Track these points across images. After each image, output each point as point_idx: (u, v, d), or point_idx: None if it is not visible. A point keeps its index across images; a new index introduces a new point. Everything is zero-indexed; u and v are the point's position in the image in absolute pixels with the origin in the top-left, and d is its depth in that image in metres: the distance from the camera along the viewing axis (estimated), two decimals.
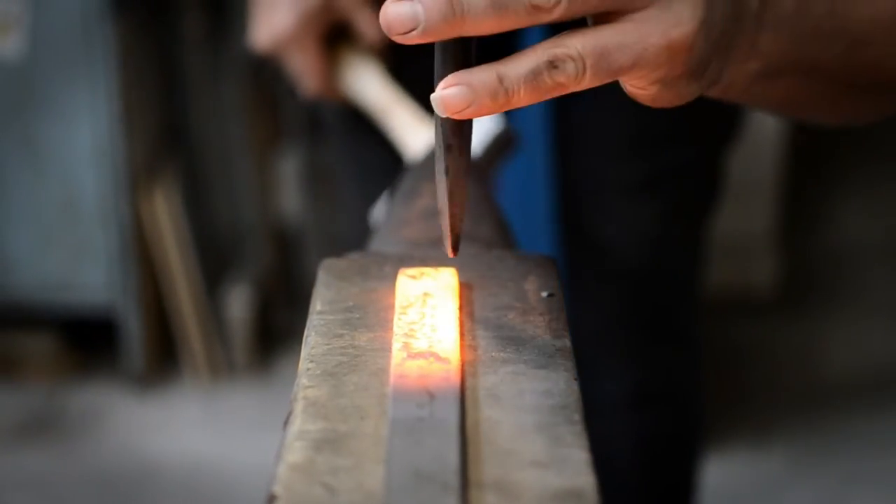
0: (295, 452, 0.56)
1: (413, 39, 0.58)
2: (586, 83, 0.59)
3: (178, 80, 2.40)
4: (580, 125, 1.25)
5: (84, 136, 2.22)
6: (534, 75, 0.59)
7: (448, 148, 0.63)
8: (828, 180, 3.25)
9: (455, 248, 0.67)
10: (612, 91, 1.22)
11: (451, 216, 0.65)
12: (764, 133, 2.51)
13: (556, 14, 0.58)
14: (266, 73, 2.42)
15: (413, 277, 0.70)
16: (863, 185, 3.27)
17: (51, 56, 2.19)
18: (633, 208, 1.26)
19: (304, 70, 1.18)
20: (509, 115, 1.36)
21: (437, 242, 0.80)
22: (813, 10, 0.69)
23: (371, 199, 1.26)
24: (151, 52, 2.33)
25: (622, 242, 1.28)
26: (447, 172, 0.64)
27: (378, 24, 0.60)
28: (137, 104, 2.26)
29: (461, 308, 0.68)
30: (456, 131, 0.63)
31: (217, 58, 2.40)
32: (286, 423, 0.59)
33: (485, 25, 0.58)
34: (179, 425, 2.29)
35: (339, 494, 0.53)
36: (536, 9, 0.58)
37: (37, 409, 2.32)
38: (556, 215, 1.34)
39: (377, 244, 0.86)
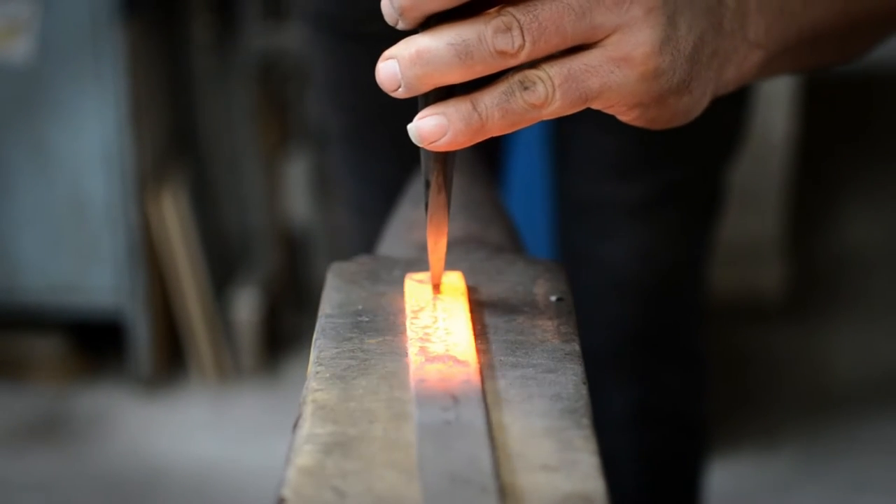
0: (304, 456, 0.56)
1: (402, 95, 0.62)
2: (557, 106, 0.61)
3: (187, 84, 2.40)
4: (578, 145, 1.24)
5: (92, 139, 2.23)
6: (505, 97, 0.61)
7: (427, 184, 0.65)
8: (834, 186, 3.25)
9: (437, 288, 0.69)
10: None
11: (432, 253, 0.68)
12: (769, 140, 2.51)
13: (523, 57, 0.60)
14: (274, 77, 2.42)
15: (420, 282, 0.70)
16: (869, 191, 3.27)
17: (60, 60, 2.19)
18: (632, 227, 1.25)
19: None
20: (508, 139, 1.35)
21: None
22: None
23: (369, 213, 1.25)
24: (160, 57, 2.34)
25: (622, 261, 1.27)
26: (426, 208, 0.66)
27: None
28: (146, 108, 2.27)
29: (471, 311, 0.68)
30: (434, 168, 0.65)
31: (225, 62, 2.40)
32: (295, 426, 0.59)
33: (454, 76, 0.60)
34: (187, 428, 2.29)
35: (349, 498, 0.53)
36: (502, 54, 0.60)
37: (44, 411, 2.33)
38: (555, 234, 1.33)
39: (386, 247, 0.87)
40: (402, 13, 0.61)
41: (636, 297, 1.29)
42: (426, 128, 0.61)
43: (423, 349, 0.63)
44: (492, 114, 0.61)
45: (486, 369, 0.63)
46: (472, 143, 0.62)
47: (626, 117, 0.66)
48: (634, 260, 1.27)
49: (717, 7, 0.66)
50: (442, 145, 0.61)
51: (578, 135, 1.24)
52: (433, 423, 0.57)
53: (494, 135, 0.62)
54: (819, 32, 0.74)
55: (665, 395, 1.35)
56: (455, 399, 0.59)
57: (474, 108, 0.61)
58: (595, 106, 0.63)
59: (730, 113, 1.24)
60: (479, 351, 0.65)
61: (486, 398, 0.60)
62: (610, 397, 1.31)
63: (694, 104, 0.67)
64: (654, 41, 0.62)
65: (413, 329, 0.65)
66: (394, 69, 0.61)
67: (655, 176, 1.23)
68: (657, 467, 1.37)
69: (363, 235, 1.23)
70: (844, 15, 0.75)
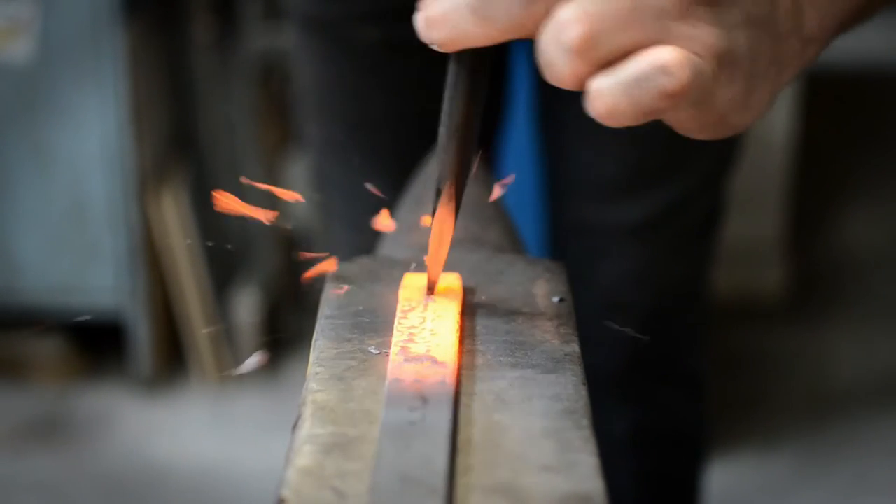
0: (304, 456, 0.56)
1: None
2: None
3: (188, 85, 2.40)
4: (573, 167, 1.23)
5: (93, 139, 2.23)
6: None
7: (437, 192, 0.64)
8: (833, 187, 3.25)
9: (431, 292, 0.68)
10: (602, 132, 1.21)
11: (431, 259, 0.67)
12: (772, 141, 2.52)
13: (598, 54, 0.57)
14: (275, 77, 2.42)
15: (417, 282, 0.70)
16: (868, 192, 3.27)
17: (60, 60, 2.19)
18: (627, 249, 1.24)
19: None
20: (498, 159, 1.34)
21: None
22: None
23: (357, 228, 1.24)
24: (161, 57, 2.34)
25: (618, 283, 1.25)
26: (433, 215, 0.65)
27: None
28: (146, 108, 2.27)
29: (466, 312, 0.68)
30: (449, 178, 0.64)
31: (226, 62, 2.40)
32: (295, 426, 0.59)
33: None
34: (187, 429, 2.29)
35: (348, 499, 0.53)
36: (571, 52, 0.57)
37: (45, 412, 2.33)
38: (548, 254, 1.32)
39: (386, 249, 0.87)
40: (440, 47, 0.59)
41: (632, 318, 1.27)
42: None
43: (404, 349, 0.63)
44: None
45: (483, 370, 0.63)
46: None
47: (685, 132, 0.63)
48: (630, 281, 1.25)
49: (772, 12, 0.63)
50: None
51: (573, 156, 1.22)
52: (397, 424, 0.57)
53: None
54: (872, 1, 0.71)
55: (663, 415, 1.34)
56: (424, 400, 0.58)
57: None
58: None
59: None
60: (476, 352, 0.65)
61: (467, 399, 0.60)
62: (608, 418, 1.29)
63: (753, 118, 0.64)
64: (720, 51, 0.59)
65: (399, 329, 0.65)
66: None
67: (651, 197, 1.21)
68: (656, 487, 1.36)
69: (354, 249, 1.21)
70: None
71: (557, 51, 0.57)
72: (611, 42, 0.57)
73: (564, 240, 1.28)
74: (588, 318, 1.25)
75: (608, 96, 0.57)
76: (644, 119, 0.58)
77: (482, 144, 1.25)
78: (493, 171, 1.30)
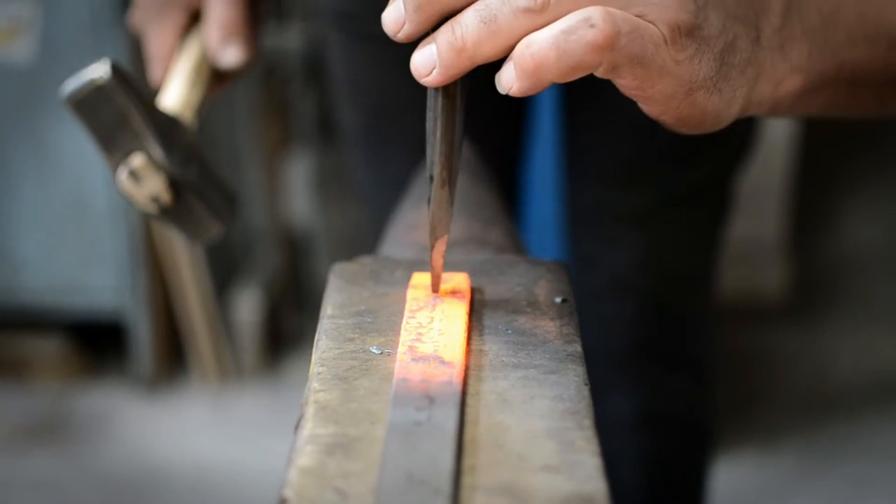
0: (306, 456, 0.56)
1: (434, 80, 0.63)
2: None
3: None
4: (586, 152, 1.25)
5: None
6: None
7: (431, 179, 0.65)
8: (837, 188, 3.25)
9: (436, 289, 0.69)
10: (618, 116, 1.22)
11: (433, 250, 0.67)
12: (773, 142, 2.51)
13: (549, 15, 0.60)
14: (276, 77, 2.42)
15: (425, 281, 0.70)
16: (871, 193, 3.26)
17: (61, 60, 2.19)
18: (638, 234, 1.25)
19: (152, 54, 1.11)
20: (527, 144, 1.36)
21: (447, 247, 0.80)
22: (841, 19, 0.71)
23: (387, 209, 1.26)
24: None
25: (627, 267, 1.27)
26: (428, 203, 0.66)
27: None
28: None
29: (471, 313, 0.68)
30: (439, 162, 0.65)
31: None
32: (297, 426, 0.59)
33: (486, 47, 0.60)
34: (188, 429, 2.29)
35: (350, 499, 0.53)
36: (527, 12, 0.60)
37: (45, 411, 2.33)
38: (563, 239, 1.33)
39: (387, 248, 0.87)
40: (417, 7, 0.61)
41: (640, 302, 1.29)
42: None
43: (411, 348, 0.63)
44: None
45: (486, 370, 0.63)
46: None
47: (654, 111, 0.65)
48: (639, 266, 1.27)
49: (755, 20, 0.66)
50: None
51: (587, 142, 1.24)
52: (403, 424, 0.57)
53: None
54: (858, 75, 0.73)
55: (669, 399, 1.35)
56: (431, 400, 0.58)
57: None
58: (642, 98, 0.63)
59: (740, 120, 1.24)
60: (479, 352, 0.64)
61: (472, 400, 0.60)
62: (614, 401, 1.31)
63: (723, 107, 0.66)
64: (681, 23, 0.62)
65: (407, 328, 0.65)
66: (430, 50, 0.62)
67: (662, 184, 1.23)
68: (660, 471, 1.37)
69: (381, 227, 1.24)
70: (886, 65, 0.74)
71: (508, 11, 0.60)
72: (560, 7, 0.60)
73: (577, 223, 1.29)
74: (597, 300, 1.27)
75: (536, 47, 0.60)
76: (575, 73, 0.60)
77: (511, 139, 1.27)
78: (513, 173, 1.32)
